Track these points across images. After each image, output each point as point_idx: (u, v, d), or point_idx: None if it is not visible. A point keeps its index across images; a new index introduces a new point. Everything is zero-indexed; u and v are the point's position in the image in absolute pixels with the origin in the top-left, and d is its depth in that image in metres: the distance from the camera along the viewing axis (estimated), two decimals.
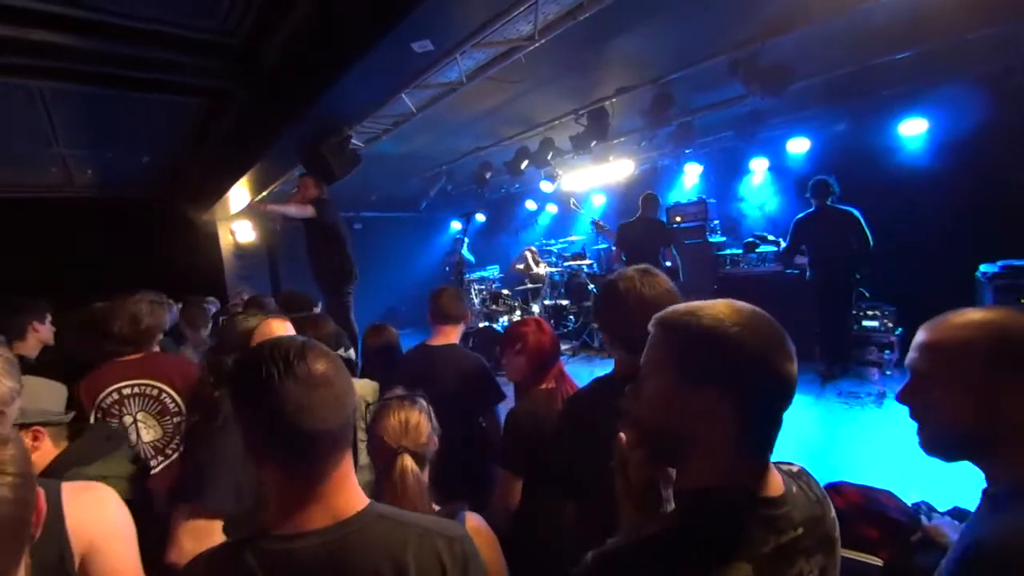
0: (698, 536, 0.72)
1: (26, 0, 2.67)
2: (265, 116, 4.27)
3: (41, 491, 0.67)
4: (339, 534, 0.78)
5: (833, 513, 0.87)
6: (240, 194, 6.41)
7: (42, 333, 2.76)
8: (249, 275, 8.31)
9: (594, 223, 6.89)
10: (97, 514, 1.06)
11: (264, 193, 6.39)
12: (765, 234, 5.92)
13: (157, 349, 2.21)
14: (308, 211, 4.20)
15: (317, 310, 3.83)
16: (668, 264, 5.75)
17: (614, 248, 6.10)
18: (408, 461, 1.24)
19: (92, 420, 1.85)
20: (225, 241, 8.14)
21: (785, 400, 0.75)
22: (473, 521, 1.25)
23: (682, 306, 0.81)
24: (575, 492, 1.38)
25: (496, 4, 2.82)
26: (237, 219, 7.92)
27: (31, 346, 2.69)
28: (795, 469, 0.89)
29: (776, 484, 0.78)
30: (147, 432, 1.98)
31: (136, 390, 1.97)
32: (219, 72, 3.69)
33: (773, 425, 0.76)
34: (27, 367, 2.32)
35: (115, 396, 1.92)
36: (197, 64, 3.55)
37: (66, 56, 3.21)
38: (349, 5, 2.86)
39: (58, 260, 5.70)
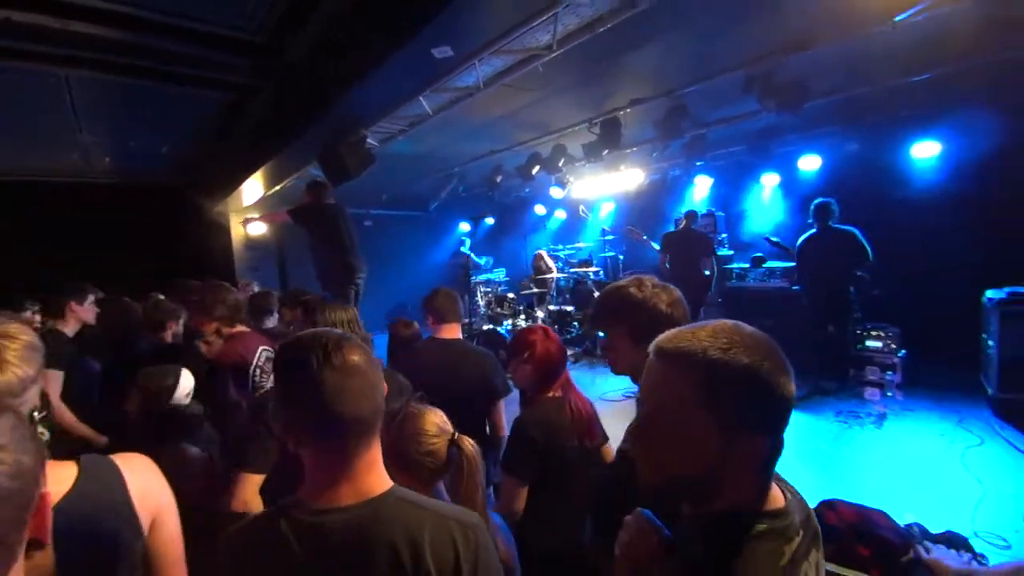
0: (721, 564, 0.71)
1: None
2: (285, 113, 4.34)
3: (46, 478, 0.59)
4: (364, 511, 0.85)
5: (811, 507, 0.89)
6: (253, 187, 6.49)
7: (80, 313, 3.01)
8: (258, 267, 8.40)
9: (629, 230, 7.07)
10: (157, 482, 1.04)
11: (276, 188, 6.48)
12: (779, 239, 5.68)
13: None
14: (282, 217, 4.75)
15: None
16: (707, 273, 5.99)
17: (659, 253, 6.35)
18: (468, 441, 1.27)
19: (250, 373, 2.18)
20: (236, 233, 8.25)
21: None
22: (494, 521, 1.33)
23: (700, 339, 0.74)
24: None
25: (516, 14, 2.87)
26: (248, 212, 8.02)
27: (70, 324, 2.98)
28: None
29: (777, 494, 0.81)
30: None
31: (271, 354, 2.29)
32: (243, 68, 3.77)
33: (782, 447, 0.79)
34: (64, 342, 2.77)
35: (267, 355, 2.23)
36: (221, 60, 3.63)
37: (98, 47, 3.30)
38: (372, 10, 2.92)
39: (71, 243, 5.80)
